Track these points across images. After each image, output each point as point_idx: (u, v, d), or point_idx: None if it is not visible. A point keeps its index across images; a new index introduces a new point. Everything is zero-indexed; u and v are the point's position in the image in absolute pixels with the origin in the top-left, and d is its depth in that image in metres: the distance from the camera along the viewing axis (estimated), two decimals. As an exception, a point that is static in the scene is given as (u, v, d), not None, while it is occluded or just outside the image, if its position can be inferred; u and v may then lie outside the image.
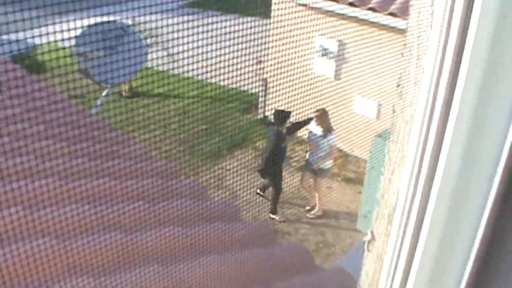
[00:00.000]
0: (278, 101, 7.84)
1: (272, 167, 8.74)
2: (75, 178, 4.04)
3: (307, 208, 9.50)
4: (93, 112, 6.46)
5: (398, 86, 0.78)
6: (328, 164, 9.11)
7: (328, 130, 8.77)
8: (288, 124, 8.54)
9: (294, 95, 7.35)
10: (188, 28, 4.72)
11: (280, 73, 6.99)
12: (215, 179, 9.00)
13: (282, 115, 8.34)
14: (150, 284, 3.55)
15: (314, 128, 8.89)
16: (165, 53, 5.97)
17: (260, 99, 11.62)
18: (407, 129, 0.79)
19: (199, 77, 8.95)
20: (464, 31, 0.66)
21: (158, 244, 3.90)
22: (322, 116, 8.66)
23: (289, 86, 7.04)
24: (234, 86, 9.95)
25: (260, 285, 4.00)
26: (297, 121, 8.72)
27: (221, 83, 10.08)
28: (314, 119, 8.73)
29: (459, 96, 0.67)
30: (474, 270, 0.75)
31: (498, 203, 0.71)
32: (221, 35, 5.37)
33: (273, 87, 9.04)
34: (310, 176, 9.30)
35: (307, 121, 8.74)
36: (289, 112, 8.35)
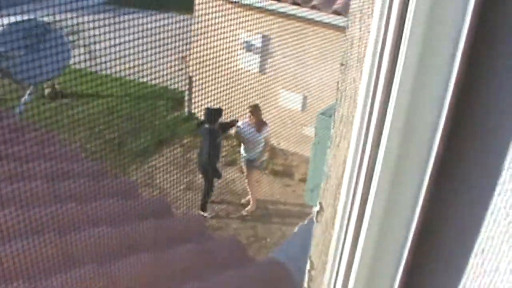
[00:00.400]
0: (204, 97, 7.86)
1: (211, 165, 8.71)
2: (4, 182, 3.96)
3: (243, 201, 9.51)
4: (17, 113, 6.31)
5: (341, 64, 0.83)
6: (262, 156, 9.22)
7: (262, 124, 8.81)
8: (220, 121, 8.51)
9: (220, 90, 7.38)
10: (109, 25, 4.69)
11: (205, 70, 7.02)
12: (144, 177, 8.95)
13: (213, 113, 8.28)
14: (87, 284, 3.52)
15: (246, 124, 8.87)
16: (87, 52, 5.91)
17: (185, 96, 11.59)
18: (351, 105, 0.84)
19: (123, 76, 8.87)
20: (403, 10, 0.71)
21: (92, 244, 3.87)
22: (255, 112, 8.70)
23: (214, 82, 7.07)
24: (159, 84, 9.90)
25: (195, 280, 4.01)
26: (225, 121, 8.74)
27: (145, 80, 10.02)
28: (248, 115, 8.74)
29: (400, 72, 0.73)
30: (416, 235, 0.82)
31: (436, 169, 0.77)
32: (144, 31, 5.36)
33: (198, 84, 9.05)
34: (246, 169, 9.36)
35: (235, 120, 8.76)
36: (221, 110, 8.35)
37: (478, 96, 0.73)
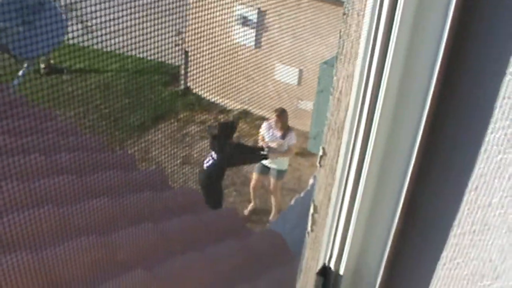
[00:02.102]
0: (200, 72, 7.85)
1: (213, 185, 7.82)
2: (3, 156, 3.99)
3: (246, 212, 8.88)
4: (13, 88, 6.32)
5: (344, 14, 0.87)
6: (283, 165, 8.46)
7: (287, 129, 8.06)
8: (234, 137, 7.70)
9: (215, 65, 7.39)
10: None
11: (201, 44, 7.02)
12: (141, 151, 8.96)
13: (227, 128, 7.58)
14: (86, 254, 3.57)
15: (268, 127, 8.12)
16: (83, 27, 5.88)
17: (181, 70, 11.59)
18: (353, 51, 0.88)
19: (119, 50, 8.86)
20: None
21: (91, 215, 3.91)
22: (282, 116, 7.99)
23: (210, 56, 7.08)
24: (154, 58, 9.89)
25: (193, 250, 4.07)
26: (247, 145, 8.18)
27: (141, 55, 10.00)
28: (274, 119, 8.02)
29: (399, 17, 0.78)
30: (414, 174, 0.86)
31: (433, 110, 0.82)
32: (140, 5, 5.35)
33: (194, 58, 9.03)
34: (263, 178, 8.61)
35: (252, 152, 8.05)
36: (234, 124, 7.72)
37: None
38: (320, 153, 1.00)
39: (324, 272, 1.01)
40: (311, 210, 1.04)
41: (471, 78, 0.79)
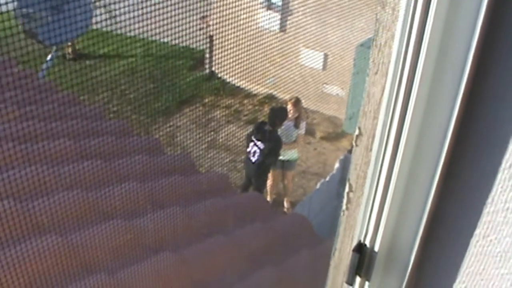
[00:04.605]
0: (225, 56, 7.84)
1: (263, 171, 7.60)
2: (28, 140, 4.03)
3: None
4: (40, 75, 6.38)
5: (380, -2, 0.88)
6: (294, 155, 8.17)
7: (301, 119, 7.94)
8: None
9: (240, 49, 7.38)
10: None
11: (226, 28, 7.02)
12: (166, 136, 9.01)
13: (279, 114, 7.41)
14: (114, 237, 3.61)
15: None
16: (108, 12, 5.90)
17: (206, 55, 11.59)
18: (389, 33, 0.90)
19: (144, 35, 8.88)
20: None
21: (119, 199, 3.95)
22: (296, 104, 7.89)
23: (235, 41, 7.07)
24: (179, 43, 9.90)
25: (221, 232, 4.10)
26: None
27: (166, 40, 10.00)
28: (288, 107, 7.84)
29: (435, 5, 0.79)
30: (449, 154, 0.88)
31: (468, 91, 0.83)
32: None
33: (219, 43, 9.02)
34: (280, 173, 8.31)
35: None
36: (285, 110, 7.59)
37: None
38: (356, 132, 1.02)
39: (360, 248, 1.03)
40: (346, 189, 1.06)
41: (507, 58, 0.80)
